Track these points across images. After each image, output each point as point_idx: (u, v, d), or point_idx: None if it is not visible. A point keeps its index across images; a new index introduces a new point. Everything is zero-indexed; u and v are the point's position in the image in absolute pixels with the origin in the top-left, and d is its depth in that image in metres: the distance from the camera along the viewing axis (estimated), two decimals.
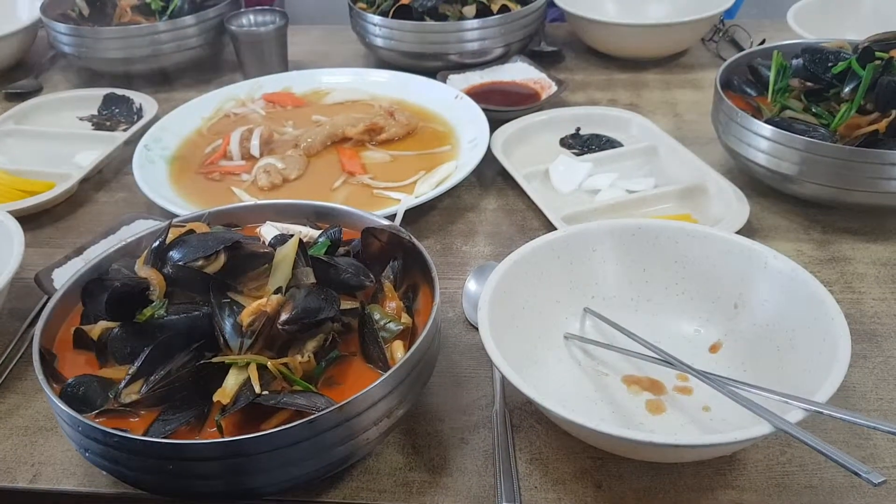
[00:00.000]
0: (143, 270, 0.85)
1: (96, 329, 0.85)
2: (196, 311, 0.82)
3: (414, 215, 1.11)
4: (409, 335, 0.86)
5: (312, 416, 0.72)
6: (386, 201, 1.16)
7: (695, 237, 0.96)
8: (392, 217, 1.14)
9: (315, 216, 1.04)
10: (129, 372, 0.79)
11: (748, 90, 1.25)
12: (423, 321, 0.87)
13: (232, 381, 0.77)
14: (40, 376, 0.79)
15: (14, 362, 1.02)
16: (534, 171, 1.28)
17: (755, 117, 1.14)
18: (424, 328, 0.82)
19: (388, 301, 0.89)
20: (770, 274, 0.90)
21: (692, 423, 0.85)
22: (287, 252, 0.85)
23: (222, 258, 0.83)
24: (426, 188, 1.17)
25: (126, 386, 0.79)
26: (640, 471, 0.82)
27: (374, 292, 0.89)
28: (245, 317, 0.80)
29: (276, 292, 0.82)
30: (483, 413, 0.90)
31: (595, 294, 0.98)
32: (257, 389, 0.75)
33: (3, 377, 1.00)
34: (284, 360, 0.79)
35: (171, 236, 0.87)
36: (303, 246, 0.86)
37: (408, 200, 1.17)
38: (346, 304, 0.87)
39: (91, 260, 0.95)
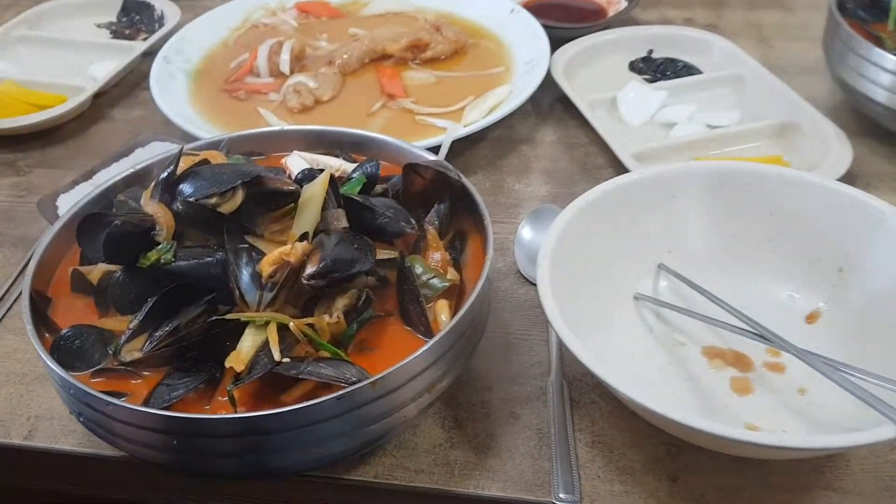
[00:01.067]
0: (149, 205, 0.73)
1: (96, 272, 0.73)
2: (208, 258, 0.70)
3: (460, 147, 1.00)
4: (455, 293, 0.73)
5: (341, 392, 0.61)
6: (429, 129, 1.04)
7: (796, 185, 0.81)
8: (436, 149, 1.00)
9: (350, 146, 0.90)
10: (130, 326, 0.68)
11: (863, 15, 1.07)
12: (472, 277, 0.74)
13: (248, 342, 0.66)
14: (29, 326, 0.68)
15: (14, 299, 0.92)
16: (599, 99, 1.13)
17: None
18: (475, 288, 0.69)
19: (432, 251, 0.76)
20: (888, 234, 0.75)
21: (785, 408, 0.73)
22: (315, 191, 0.72)
23: (240, 195, 0.71)
24: (476, 116, 1.03)
25: (127, 341, 0.68)
26: (724, 463, 0.70)
27: (416, 240, 0.76)
28: (265, 266, 0.68)
29: (301, 238, 0.70)
30: (537, 384, 0.78)
31: (672, 248, 0.85)
32: (277, 356, 0.63)
33: (2, 315, 0.90)
34: (310, 320, 0.67)
35: (182, 166, 0.74)
36: (334, 183, 0.73)
37: (455, 130, 1.03)
38: (383, 254, 0.74)
39: (95, 188, 0.83)
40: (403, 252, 0.74)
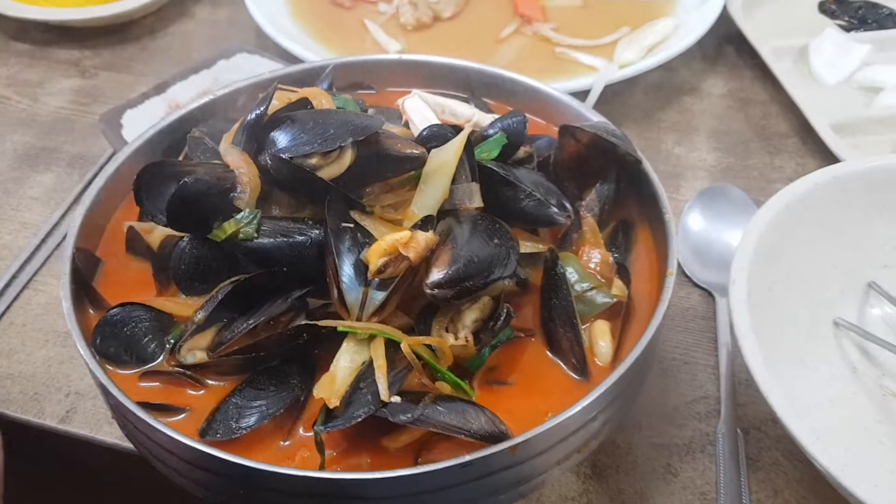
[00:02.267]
0: (230, 154, 0.56)
1: (157, 234, 0.57)
2: (300, 236, 0.53)
3: (606, 89, 0.83)
4: (621, 313, 0.55)
5: (469, 458, 0.44)
6: (572, 66, 0.89)
7: None
8: (583, 96, 0.80)
9: (482, 87, 0.71)
10: (196, 318, 0.52)
11: None
12: (644, 291, 0.55)
13: (346, 363, 0.49)
14: (66, 304, 0.53)
15: (63, 238, 0.77)
16: (785, 46, 0.91)
17: None
18: (655, 314, 0.50)
19: (589, 248, 0.58)
20: None
21: None
22: (446, 159, 0.54)
23: (348, 157, 0.53)
24: (632, 55, 0.85)
25: (190, 336, 0.52)
26: None
27: (566, 230, 0.58)
28: (373, 256, 0.50)
29: (423, 223, 0.52)
30: (701, 427, 0.61)
31: (889, 263, 0.64)
32: (384, 393, 0.46)
33: (47, 259, 0.75)
34: (428, 340, 0.49)
35: (275, 105, 0.57)
36: (469, 146, 0.55)
37: (607, 72, 0.83)
38: (525, 247, 0.56)
39: (167, 117, 0.66)
40: (554, 250, 0.56)
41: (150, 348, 0.54)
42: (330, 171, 0.53)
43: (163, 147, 0.65)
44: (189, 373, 0.52)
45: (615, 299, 0.55)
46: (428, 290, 0.49)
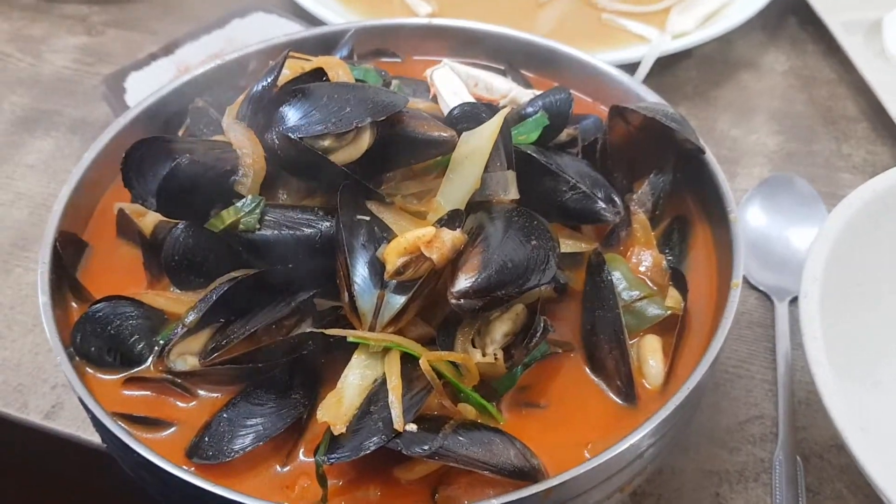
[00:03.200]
0: (233, 130, 0.49)
1: (150, 218, 0.51)
2: (308, 229, 0.46)
3: (654, 63, 0.76)
4: (675, 327, 0.47)
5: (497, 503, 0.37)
6: (619, 35, 0.83)
7: None
8: (630, 69, 0.72)
9: (520, 57, 0.63)
10: (186, 320, 0.45)
11: None
12: (701, 300, 0.48)
13: (355, 379, 0.43)
14: (43, 298, 0.47)
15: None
16: (856, 20, 0.83)
17: None
18: (717, 332, 0.43)
19: (639, 249, 0.51)
20: None
21: None
22: (479, 144, 0.47)
23: (366, 139, 0.46)
24: (687, 24, 0.78)
25: (181, 339, 0.45)
26: None
27: (613, 228, 0.50)
28: (390, 255, 0.43)
29: (450, 218, 0.45)
30: (755, 452, 0.55)
31: None
32: (398, 421, 0.40)
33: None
34: (452, 356, 0.43)
35: (287, 75, 0.50)
36: (506, 131, 0.47)
37: (660, 42, 0.75)
38: (566, 246, 0.49)
39: (166, 86, 0.59)
40: (599, 251, 0.49)
41: (137, 349, 0.48)
42: (345, 155, 0.46)
43: (165, 117, 0.58)
44: (178, 381, 0.46)
45: (669, 312, 0.48)
46: (453, 301, 0.42)
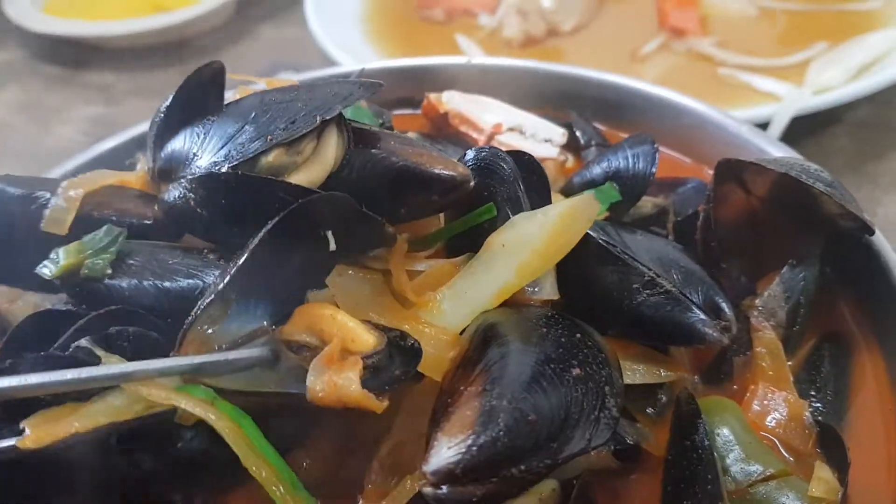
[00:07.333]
0: None
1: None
2: (186, 279, 0.30)
3: (797, 127, 0.59)
4: None
5: None
6: (744, 92, 0.66)
7: None
8: (762, 128, 0.53)
9: (591, 104, 0.46)
10: None
11: None
12: (876, 484, 0.27)
13: None
14: None
15: None
16: None
17: None
18: None
19: (767, 389, 0.31)
20: None
21: None
22: (529, 236, 0.30)
23: (331, 148, 0.33)
24: (834, 77, 0.65)
25: None
26: None
27: (722, 353, 0.30)
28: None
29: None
30: None
31: None
32: None
33: None
34: None
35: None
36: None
37: (797, 98, 0.57)
38: (638, 376, 0.29)
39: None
40: (689, 391, 0.29)
41: None
42: (309, 174, 0.29)
43: None
44: None
45: None
46: (428, 489, 0.23)
